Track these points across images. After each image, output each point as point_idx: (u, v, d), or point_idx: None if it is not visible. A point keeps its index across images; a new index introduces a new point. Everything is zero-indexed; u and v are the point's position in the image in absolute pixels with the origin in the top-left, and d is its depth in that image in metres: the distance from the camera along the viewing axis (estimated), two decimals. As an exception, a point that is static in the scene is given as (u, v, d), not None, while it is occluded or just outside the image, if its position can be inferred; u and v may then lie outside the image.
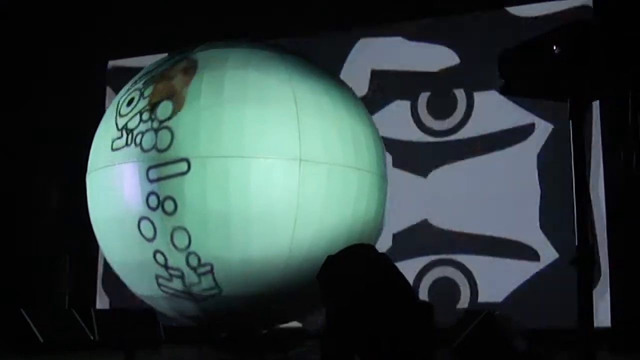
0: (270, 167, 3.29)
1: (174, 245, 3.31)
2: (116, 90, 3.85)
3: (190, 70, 3.48)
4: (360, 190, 3.53)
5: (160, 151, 3.32)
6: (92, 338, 3.97)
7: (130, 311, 4.15)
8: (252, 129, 3.31)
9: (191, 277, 3.35)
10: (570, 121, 2.67)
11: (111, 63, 6.32)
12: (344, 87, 3.85)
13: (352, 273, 2.73)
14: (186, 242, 3.29)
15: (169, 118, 3.35)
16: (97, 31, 6.13)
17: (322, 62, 3.96)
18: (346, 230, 3.47)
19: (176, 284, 3.41)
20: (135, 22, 6.03)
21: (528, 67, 2.68)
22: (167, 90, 3.43)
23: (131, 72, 3.90)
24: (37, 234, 5.88)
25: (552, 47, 2.56)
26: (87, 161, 3.71)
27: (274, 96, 3.41)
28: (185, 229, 3.28)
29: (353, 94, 3.91)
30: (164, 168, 3.31)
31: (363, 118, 3.74)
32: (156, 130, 3.35)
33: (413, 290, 2.75)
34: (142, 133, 3.38)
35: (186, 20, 5.80)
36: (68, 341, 4.02)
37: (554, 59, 2.56)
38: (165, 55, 3.82)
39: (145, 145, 3.36)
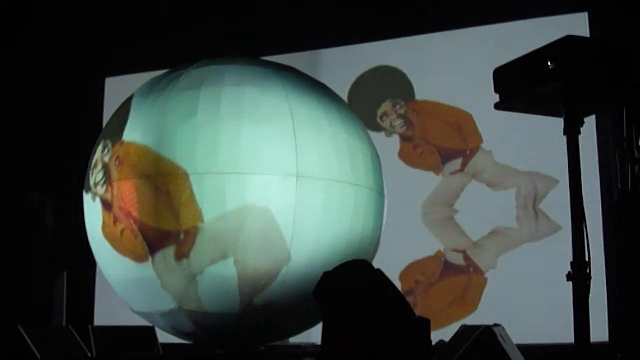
0: (267, 183, 3.30)
1: (168, 261, 3.31)
2: (114, 108, 3.87)
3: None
4: (358, 206, 3.53)
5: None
6: (90, 355, 3.95)
7: (128, 328, 4.13)
8: (249, 146, 3.32)
9: (186, 293, 3.35)
10: (566, 137, 2.67)
11: (109, 80, 6.33)
12: (341, 103, 3.86)
13: (349, 289, 2.72)
14: (182, 258, 3.29)
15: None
16: (95, 48, 6.14)
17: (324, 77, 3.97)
18: (343, 246, 3.46)
19: (171, 301, 3.41)
20: (133, 39, 6.04)
21: (523, 82, 2.69)
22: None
23: (129, 89, 3.91)
24: (34, 250, 5.86)
25: (547, 63, 2.57)
26: (84, 178, 3.71)
27: (270, 112, 3.42)
28: (180, 245, 3.29)
29: (350, 109, 3.91)
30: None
31: (360, 134, 3.74)
32: None
33: (409, 306, 2.74)
34: None
35: (183, 37, 5.81)
36: (66, 359, 4.00)
37: (549, 75, 2.57)
38: (162, 72, 3.84)
39: None
